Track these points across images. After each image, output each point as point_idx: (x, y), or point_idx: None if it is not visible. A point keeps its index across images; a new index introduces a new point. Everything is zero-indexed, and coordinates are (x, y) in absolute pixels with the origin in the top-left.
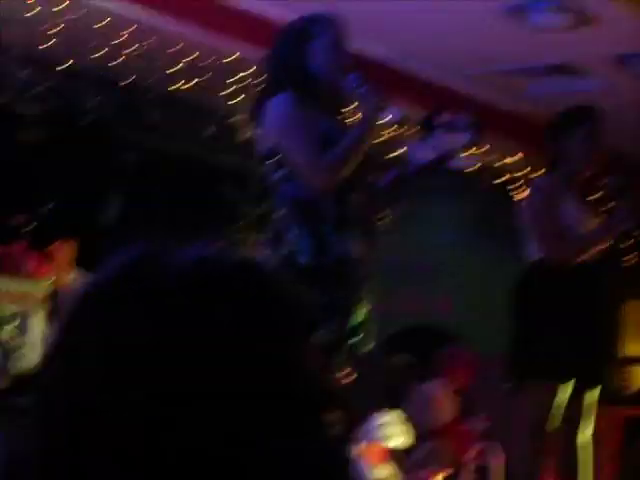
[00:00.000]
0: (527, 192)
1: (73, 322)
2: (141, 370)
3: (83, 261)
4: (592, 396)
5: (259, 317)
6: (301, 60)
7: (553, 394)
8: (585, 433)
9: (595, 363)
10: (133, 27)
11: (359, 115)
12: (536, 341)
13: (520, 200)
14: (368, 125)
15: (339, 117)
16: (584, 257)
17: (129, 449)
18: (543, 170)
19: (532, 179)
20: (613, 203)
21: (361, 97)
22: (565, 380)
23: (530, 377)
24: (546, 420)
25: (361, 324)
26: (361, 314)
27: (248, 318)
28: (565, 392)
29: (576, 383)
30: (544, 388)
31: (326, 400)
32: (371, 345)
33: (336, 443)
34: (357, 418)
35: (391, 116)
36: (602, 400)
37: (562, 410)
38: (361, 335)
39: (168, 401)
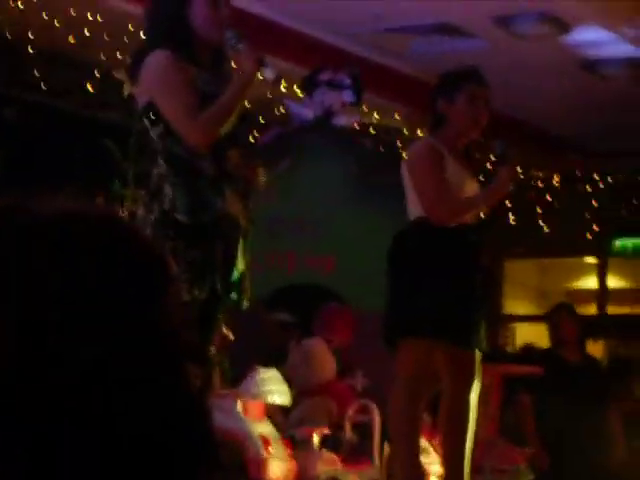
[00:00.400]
0: (409, 152)
1: None
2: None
3: None
4: (476, 354)
5: (118, 272)
6: (180, 15)
7: (428, 351)
8: (473, 391)
9: (472, 321)
10: None
11: (237, 72)
12: (411, 299)
13: (403, 159)
14: (245, 82)
15: (219, 73)
16: (463, 219)
17: None
18: (426, 130)
19: (415, 139)
20: (495, 167)
21: (239, 53)
22: (440, 337)
23: (404, 335)
24: (422, 377)
25: (239, 281)
26: (239, 271)
27: (107, 273)
28: (446, 351)
29: (455, 341)
30: (419, 345)
31: (186, 354)
32: (248, 302)
33: (197, 396)
34: (236, 374)
35: (267, 75)
36: (482, 358)
37: (445, 369)
38: (239, 292)
39: (32, 353)
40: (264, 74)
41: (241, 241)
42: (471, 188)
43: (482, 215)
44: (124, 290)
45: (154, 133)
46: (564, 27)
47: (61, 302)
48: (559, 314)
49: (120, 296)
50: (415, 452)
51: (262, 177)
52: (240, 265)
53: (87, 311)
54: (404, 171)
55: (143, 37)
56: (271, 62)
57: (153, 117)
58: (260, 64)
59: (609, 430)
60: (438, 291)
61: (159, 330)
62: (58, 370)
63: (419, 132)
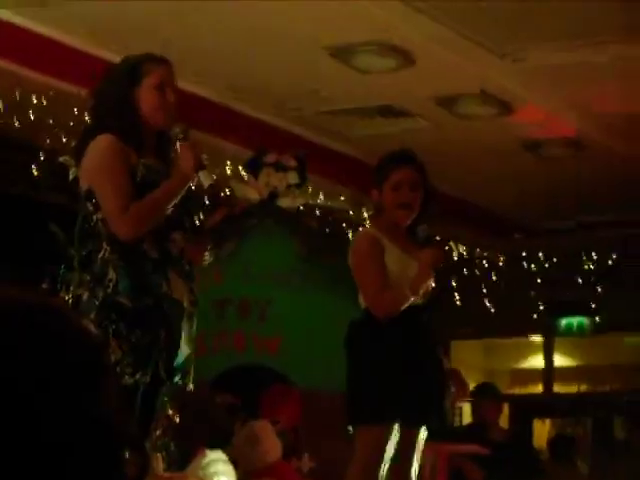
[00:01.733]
0: (351, 244)
1: None
2: None
3: None
4: (421, 434)
5: (53, 359)
6: (126, 99)
7: (384, 436)
8: (413, 470)
9: (424, 403)
10: None
11: (176, 168)
12: (366, 387)
13: (348, 246)
14: (179, 184)
15: (163, 159)
16: (408, 302)
17: None
18: (371, 212)
19: (360, 220)
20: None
21: (182, 150)
22: (395, 421)
23: (361, 420)
24: (379, 461)
25: (184, 364)
26: (183, 354)
27: (42, 363)
28: (395, 433)
29: (405, 423)
30: (375, 430)
31: (123, 442)
32: (192, 385)
33: None
34: (182, 456)
35: (203, 179)
36: (428, 437)
37: (392, 450)
38: (184, 375)
39: None
40: (200, 178)
41: (185, 324)
42: (416, 269)
43: (430, 294)
44: (60, 380)
45: (97, 217)
46: (506, 107)
47: None
48: (481, 395)
49: (56, 386)
50: None
51: (207, 259)
52: (184, 348)
53: (21, 404)
54: (350, 260)
55: (88, 120)
56: (216, 144)
57: (94, 201)
58: (198, 168)
59: None
60: (395, 376)
61: (95, 419)
62: None
63: (364, 213)
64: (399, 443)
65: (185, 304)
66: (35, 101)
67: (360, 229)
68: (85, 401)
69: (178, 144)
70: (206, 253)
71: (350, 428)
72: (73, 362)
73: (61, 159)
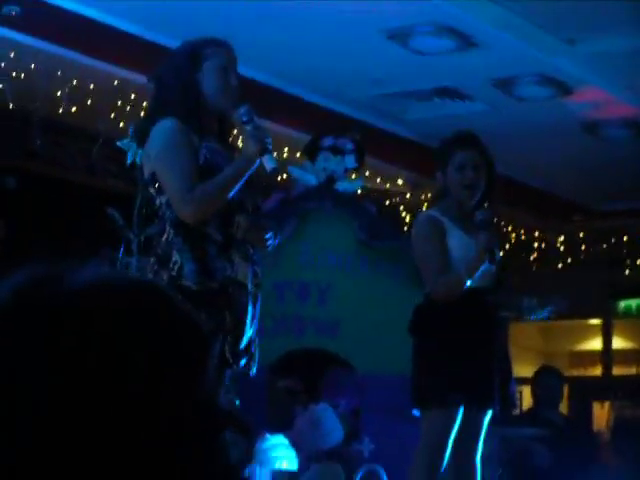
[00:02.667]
0: (413, 227)
1: None
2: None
3: None
4: (485, 418)
5: (161, 338)
6: (190, 84)
7: (450, 420)
8: (477, 455)
9: (488, 387)
10: (15, 51)
11: (242, 150)
12: (431, 371)
13: (410, 229)
14: (245, 166)
15: (225, 143)
16: (465, 286)
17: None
18: (429, 194)
19: (417, 202)
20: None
21: (247, 134)
22: (460, 406)
23: (427, 405)
24: (445, 445)
25: (247, 347)
26: (247, 338)
27: (151, 340)
28: (459, 416)
29: (470, 407)
30: (441, 415)
31: (224, 422)
32: (255, 368)
33: (233, 464)
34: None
35: (267, 164)
36: (490, 421)
37: (457, 434)
38: (248, 358)
39: (68, 426)
40: (264, 162)
41: (250, 307)
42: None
43: (495, 277)
44: (172, 362)
45: (160, 201)
46: (565, 89)
47: (99, 376)
48: (546, 376)
49: (162, 368)
50: None
51: (270, 243)
52: (249, 331)
53: (125, 388)
54: (412, 243)
55: (149, 105)
56: (273, 129)
57: (158, 185)
58: (263, 152)
59: None
60: (460, 360)
61: (199, 402)
62: (93, 449)
63: (422, 196)
64: (464, 427)
65: (249, 287)
66: (93, 87)
67: (422, 211)
68: (194, 384)
69: (242, 127)
70: (269, 237)
71: (415, 412)
72: (184, 344)
73: (119, 143)
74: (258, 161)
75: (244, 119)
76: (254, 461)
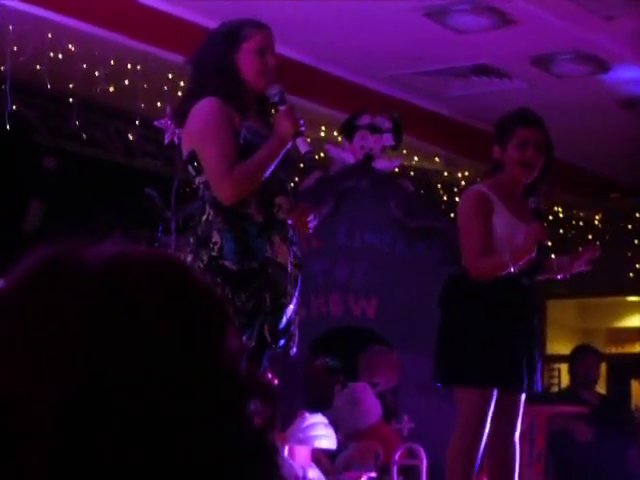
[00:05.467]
0: (461, 199)
1: None
2: (70, 367)
3: (3, 270)
4: (520, 399)
5: (179, 315)
6: (228, 64)
7: (487, 400)
8: (515, 434)
9: (527, 365)
10: (52, 32)
11: (274, 131)
12: (464, 348)
13: (456, 204)
14: (278, 146)
15: (265, 122)
16: (507, 272)
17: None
18: (466, 172)
19: (454, 187)
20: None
21: (280, 114)
22: (496, 386)
23: (462, 382)
24: (484, 424)
25: (286, 327)
26: (286, 318)
27: (169, 317)
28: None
29: (506, 389)
30: (477, 394)
31: (250, 392)
32: (295, 348)
33: (261, 433)
34: (282, 419)
35: (301, 146)
36: (527, 399)
37: (494, 414)
38: (288, 338)
39: (97, 396)
40: (298, 144)
41: (290, 287)
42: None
43: (532, 260)
44: (186, 333)
45: (199, 181)
46: (602, 66)
47: (123, 348)
48: (583, 355)
49: (182, 339)
50: None
51: (312, 224)
52: (289, 312)
53: (149, 357)
54: (458, 217)
55: (187, 85)
56: (311, 108)
57: (197, 165)
58: (297, 134)
59: None
60: (494, 339)
61: (221, 370)
62: (121, 416)
63: (459, 174)
64: (501, 408)
65: (289, 268)
66: (130, 67)
67: (473, 186)
68: (215, 354)
69: (277, 107)
70: (310, 218)
71: (439, 386)
72: (203, 314)
73: (156, 123)
74: (291, 143)
75: (276, 99)
76: (293, 439)
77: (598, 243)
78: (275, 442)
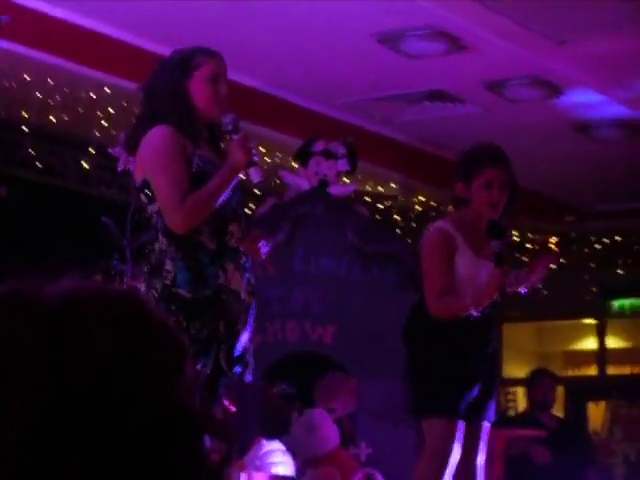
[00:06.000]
0: (425, 234)
1: None
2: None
3: None
4: (483, 425)
5: (134, 346)
6: (180, 91)
7: (454, 427)
8: (477, 459)
9: (488, 395)
10: (6, 61)
11: (226, 160)
12: (431, 382)
13: (412, 228)
14: (230, 176)
15: (216, 150)
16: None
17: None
18: (421, 197)
19: (408, 212)
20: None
21: (233, 143)
22: (462, 416)
23: (430, 413)
24: (448, 452)
25: (242, 355)
26: (241, 345)
27: (123, 348)
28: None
29: (470, 418)
30: (444, 422)
31: (202, 428)
32: (251, 375)
33: (216, 468)
34: (239, 447)
35: (253, 176)
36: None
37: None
38: (243, 365)
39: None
40: (250, 174)
41: (244, 315)
42: (487, 273)
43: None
44: (140, 366)
45: (151, 209)
46: (556, 90)
47: (79, 379)
48: (540, 378)
49: (136, 372)
50: None
51: (263, 250)
52: (244, 339)
53: (103, 388)
54: (420, 249)
55: (140, 113)
56: (265, 134)
57: (149, 193)
58: (250, 163)
59: None
60: (457, 372)
61: (175, 406)
62: (72, 456)
63: (414, 199)
64: (466, 434)
65: (243, 295)
66: (84, 95)
67: (436, 221)
68: (170, 389)
69: (230, 136)
70: (262, 245)
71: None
72: (157, 348)
73: (111, 151)
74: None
75: (229, 128)
76: (251, 466)
77: (554, 266)
78: (231, 479)
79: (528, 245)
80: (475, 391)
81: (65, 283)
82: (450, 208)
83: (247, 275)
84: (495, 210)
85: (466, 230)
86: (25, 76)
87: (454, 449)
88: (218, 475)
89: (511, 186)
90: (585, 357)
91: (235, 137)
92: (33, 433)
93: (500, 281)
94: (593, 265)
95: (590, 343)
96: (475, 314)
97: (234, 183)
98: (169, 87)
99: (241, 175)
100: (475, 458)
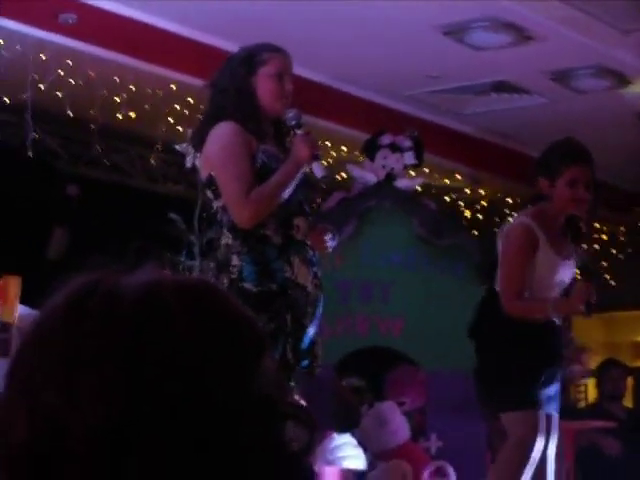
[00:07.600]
0: (508, 227)
1: (26, 354)
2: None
3: (27, 297)
4: (556, 416)
5: (215, 336)
6: (246, 88)
7: (538, 419)
8: (547, 451)
9: (557, 389)
10: (72, 59)
11: (290, 154)
12: (505, 372)
13: (478, 220)
14: (295, 170)
15: (281, 146)
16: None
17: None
18: (487, 188)
19: (475, 204)
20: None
21: (297, 139)
22: (538, 407)
23: (514, 407)
24: (532, 443)
25: (310, 348)
26: (308, 338)
27: (204, 337)
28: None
29: (547, 409)
30: (530, 415)
31: (284, 414)
32: (319, 368)
33: (297, 456)
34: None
35: (316, 171)
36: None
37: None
38: (311, 359)
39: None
40: (314, 169)
41: (311, 308)
42: (565, 273)
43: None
44: (222, 358)
45: (217, 205)
46: (622, 80)
47: (160, 374)
48: (610, 369)
49: (219, 364)
50: None
51: (329, 243)
52: (311, 332)
53: (185, 381)
54: (499, 243)
55: (206, 109)
56: (331, 128)
57: (215, 189)
58: (313, 158)
59: None
60: (531, 362)
61: (257, 394)
62: (157, 442)
63: (481, 191)
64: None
65: (309, 289)
66: (150, 92)
67: (519, 216)
68: (252, 379)
69: (294, 131)
70: (328, 238)
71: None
72: (239, 338)
73: (177, 147)
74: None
75: (292, 123)
76: (322, 460)
77: (622, 257)
78: (312, 467)
79: (596, 235)
80: (556, 384)
81: (142, 274)
82: (518, 200)
83: (314, 269)
84: (580, 208)
85: (547, 227)
86: (91, 74)
87: (537, 441)
88: (299, 463)
89: (595, 186)
90: None
91: (299, 132)
92: (105, 436)
93: (586, 295)
94: None
95: None
96: (557, 322)
97: (299, 177)
98: (235, 84)
99: (307, 170)
100: (546, 449)
